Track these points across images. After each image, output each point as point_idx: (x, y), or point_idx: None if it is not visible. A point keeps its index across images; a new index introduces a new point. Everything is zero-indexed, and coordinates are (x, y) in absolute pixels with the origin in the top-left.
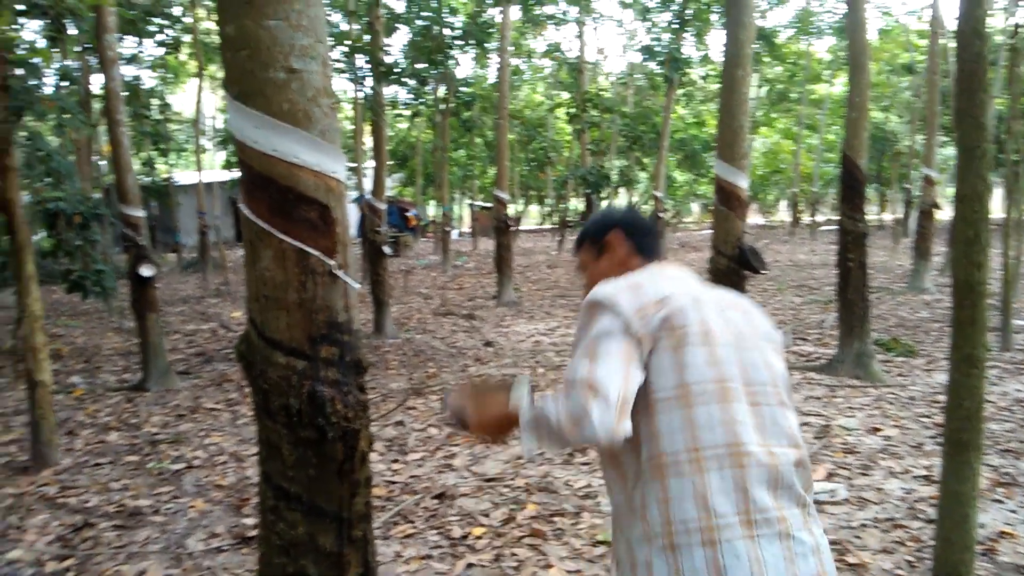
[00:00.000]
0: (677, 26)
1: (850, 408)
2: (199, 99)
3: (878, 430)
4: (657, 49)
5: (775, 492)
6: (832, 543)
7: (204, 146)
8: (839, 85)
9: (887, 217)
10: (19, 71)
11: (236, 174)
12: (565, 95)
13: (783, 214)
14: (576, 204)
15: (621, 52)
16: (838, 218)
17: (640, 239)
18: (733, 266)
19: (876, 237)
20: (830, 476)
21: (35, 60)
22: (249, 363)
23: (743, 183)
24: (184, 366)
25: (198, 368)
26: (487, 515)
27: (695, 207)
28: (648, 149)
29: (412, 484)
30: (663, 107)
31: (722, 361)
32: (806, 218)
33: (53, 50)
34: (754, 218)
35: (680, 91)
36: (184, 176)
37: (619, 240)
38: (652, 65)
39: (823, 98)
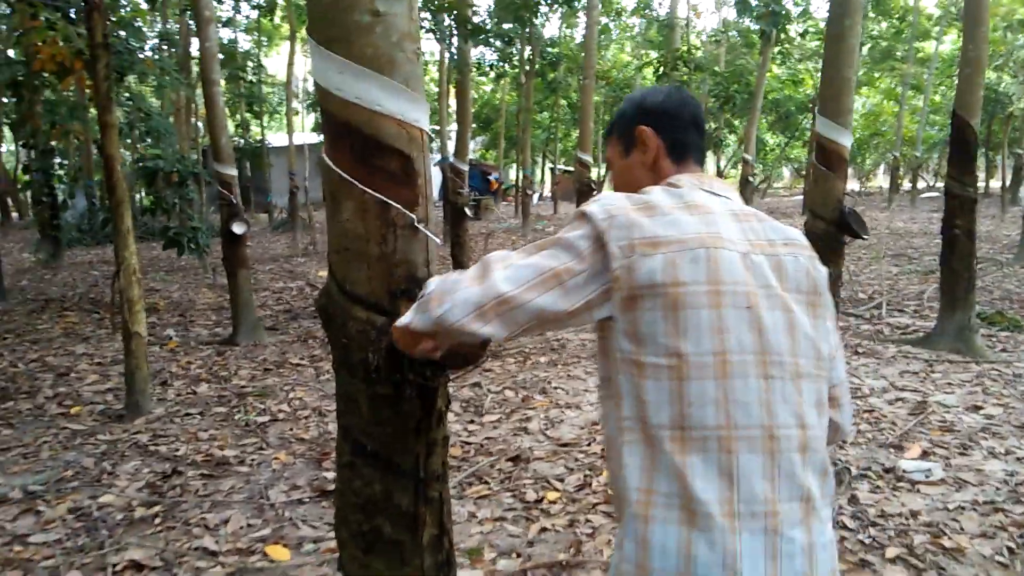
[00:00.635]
0: None
1: (949, 384)
2: (291, 61)
3: (979, 408)
4: (754, 3)
5: (771, 482)
6: (927, 525)
7: (296, 108)
8: (948, 43)
9: (995, 184)
10: (122, 33)
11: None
12: (653, 54)
13: (880, 180)
14: None
15: (714, 8)
16: (943, 183)
17: (674, 136)
18: (832, 230)
19: (982, 205)
20: (925, 454)
21: (137, 23)
22: (329, 316)
23: (846, 141)
24: (272, 322)
25: (285, 324)
26: (562, 480)
27: (786, 171)
28: (739, 110)
29: (487, 446)
30: (758, 65)
31: (729, 328)
32: (906, 184)
33: (153, 13)
34: (850, 183)
35: (775, 49)
36: (276, 138)
37: (648, 137)
38: (747, 21)
39: (930, 56)
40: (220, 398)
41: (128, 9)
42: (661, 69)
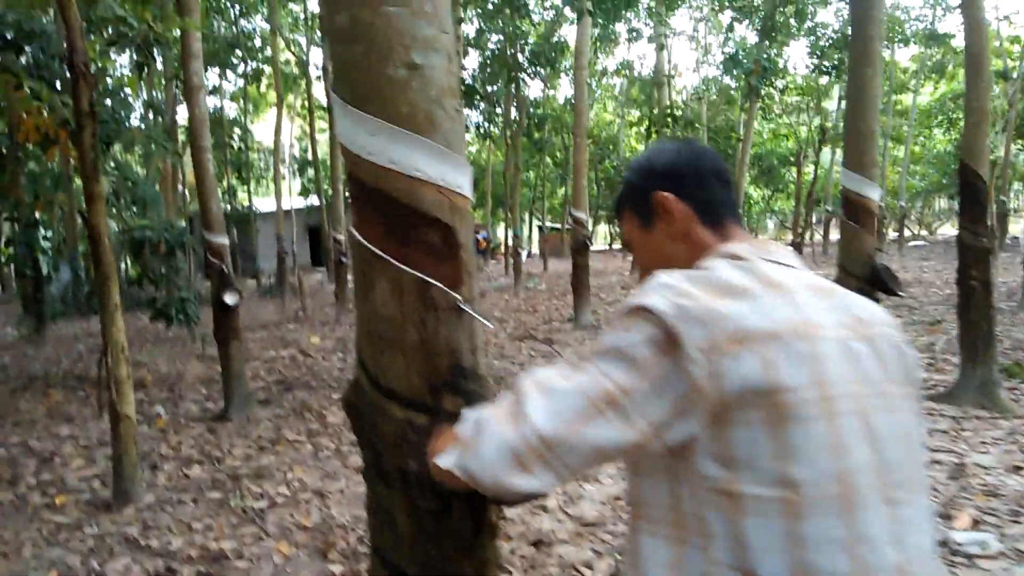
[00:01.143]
0: (762, 34)
1: (983, 443)
2: (278, 128)
3: (1020, 469)
4: (742, 59)
5: None
6: None
7: (283, 174)
8: (925, 95)
9: None
10: (109, 102)
11: (313, 201)
12: (636, 113)
13: None
14: None
15: (695, 67)
16: (926, 231)
17: (698, 196)
18: (865, 287)
19: None
20: (976, 524)
21: (126, 93)
22: (358, 414)
23: (874, 194)
24: (265, 394)
25: (279, 397)
26: (590, 567)
27: (770, 224)
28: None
29: (504, 527)
30: (744, 121)
31: (847, 444)
32: (891, 233)
33: (140, 81)
34: (835, 234)
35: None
36: (262, 203)
37: (670, 203)
38: (729, 80)
39: (908, 108)
40: (214, 481)
41: (117, 77)
42: (650, 127)
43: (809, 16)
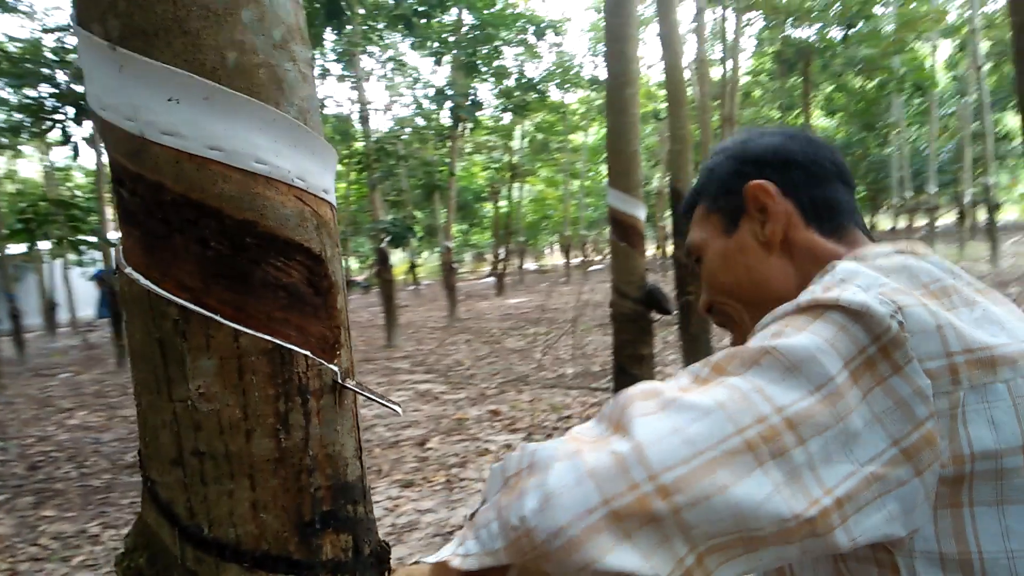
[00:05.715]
0: (464, 70)
1: None
2: None
3: None
4: (450, 93)
5: None
6: None
7: None
8: (592, 134)
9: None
10: None
11: None
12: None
13: (550, 258)
14: (355, 262)
15: (385, 108)
16: (602, 256)
17: (817, 192)
18: (640, 309)
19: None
20: None
21: None
22: None
23: (641, 214)
24: None
25: None
26: None
27: (467, 256)
28: (421, 203)
29: None
30: (441, 157)
31: None
32: (575, 259)
33: None
34: (528, 263)
35: (448, 142)
36: None
37: (769, 195)
38: (421, 121)
39: (580, 147)
40: None
41: None
42: (361, 161)
43: (498, 57)
